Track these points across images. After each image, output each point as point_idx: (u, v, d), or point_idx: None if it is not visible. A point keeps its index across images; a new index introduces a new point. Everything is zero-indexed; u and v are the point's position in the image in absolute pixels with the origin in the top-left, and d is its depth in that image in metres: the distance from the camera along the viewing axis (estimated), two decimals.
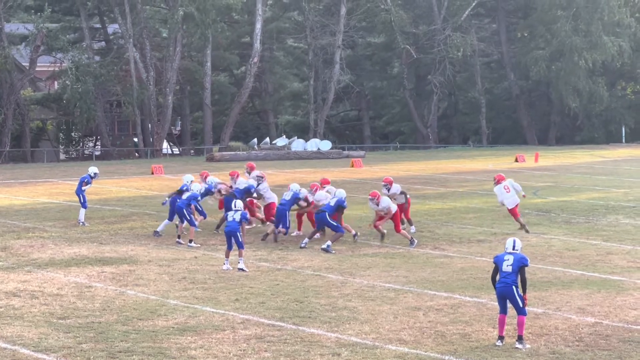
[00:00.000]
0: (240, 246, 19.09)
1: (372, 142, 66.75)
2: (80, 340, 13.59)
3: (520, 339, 11.80)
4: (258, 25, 58.49)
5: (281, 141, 55.19)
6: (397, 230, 20.90)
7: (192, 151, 61.41)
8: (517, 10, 67.51)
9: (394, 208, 20.92)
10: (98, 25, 63.21)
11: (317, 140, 56.91)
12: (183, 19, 57.17)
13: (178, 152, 62.09)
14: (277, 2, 66.84)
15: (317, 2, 65.07)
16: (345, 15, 61.70)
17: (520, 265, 12.32)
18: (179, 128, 65.71)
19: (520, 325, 11.73)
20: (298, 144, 54.54)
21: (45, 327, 14.44)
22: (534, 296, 15.22)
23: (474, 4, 63.68)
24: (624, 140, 65.02)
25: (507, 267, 12.27)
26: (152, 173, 37.30)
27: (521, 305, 11.73)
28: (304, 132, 62.34)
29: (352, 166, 44.00)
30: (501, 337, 11.68)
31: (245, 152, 51.80)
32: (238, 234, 19.12)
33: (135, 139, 61.43)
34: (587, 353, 12.79)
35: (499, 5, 64.71)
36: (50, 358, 12.77)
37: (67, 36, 59.74)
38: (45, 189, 36.45)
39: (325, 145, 55.22)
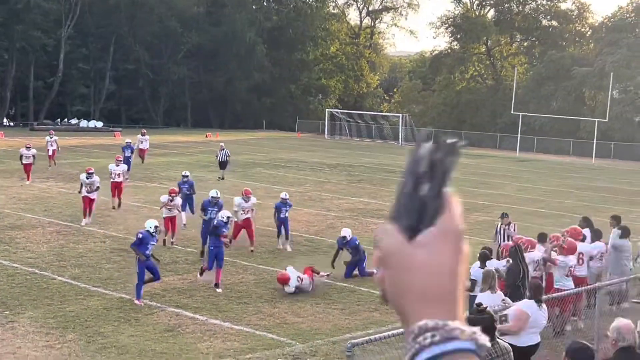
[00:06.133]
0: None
1: (126, 124, 68.47)
2: None
3: None
4: (62, 54, 67.37)
5: (74, 121, 62.46)
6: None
7: (21, 124, 64.20)
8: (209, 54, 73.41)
9: None
10: None
11: (94, 121, 63.93)
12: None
13: (12, 125, 64.30)
14: (74, 42, 69.44)
15: (97, 45, 70.66)
16: (113, 51, 69.48)
17: None
18: (13, 111, 70.05)
19: None
20: (84, 123, 61.96)
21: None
22: None
23: (184, 50, 72.12)
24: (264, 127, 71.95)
25: None
26: None
27: None
28: (88, 116, 67.52)
29: (115, 137, 50.30)
30: None
31: (52, 126, 52.76)
32: None
33: None
34: None
35: (200, 52, 72.44)
36: None
37: None
38: None
39: (99, 124, 62.73)
